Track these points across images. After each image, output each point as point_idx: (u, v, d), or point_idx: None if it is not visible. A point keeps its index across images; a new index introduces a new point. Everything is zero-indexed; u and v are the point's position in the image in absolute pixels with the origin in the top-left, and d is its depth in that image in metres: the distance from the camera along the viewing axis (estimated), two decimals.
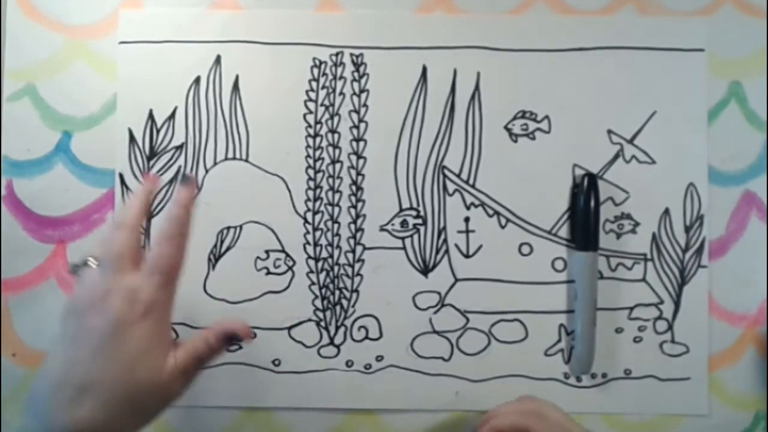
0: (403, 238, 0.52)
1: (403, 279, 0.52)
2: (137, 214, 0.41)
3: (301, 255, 0.52)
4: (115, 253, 0.39)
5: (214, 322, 0.42)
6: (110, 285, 0.38)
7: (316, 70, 0.52)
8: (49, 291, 0.51)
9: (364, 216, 0.52)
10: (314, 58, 0.52)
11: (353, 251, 0.52)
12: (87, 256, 0.40)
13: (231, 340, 0.41)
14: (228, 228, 0.52)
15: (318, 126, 0.52)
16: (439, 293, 0.52)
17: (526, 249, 0.52)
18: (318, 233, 0.52)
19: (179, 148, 0.52)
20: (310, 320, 0.52)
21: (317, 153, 0.52)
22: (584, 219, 0.50)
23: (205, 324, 0.51)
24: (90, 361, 0.36)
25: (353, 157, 0.52)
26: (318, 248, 0.52)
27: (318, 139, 0.52)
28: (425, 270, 0.52)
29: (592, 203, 0.50)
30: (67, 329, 0.38)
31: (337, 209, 0.52)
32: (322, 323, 0.51)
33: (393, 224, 0.52)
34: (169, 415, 0.51)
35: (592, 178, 0.50)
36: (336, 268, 0.52)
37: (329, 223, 0.52)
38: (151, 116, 0.52)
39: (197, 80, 0.52)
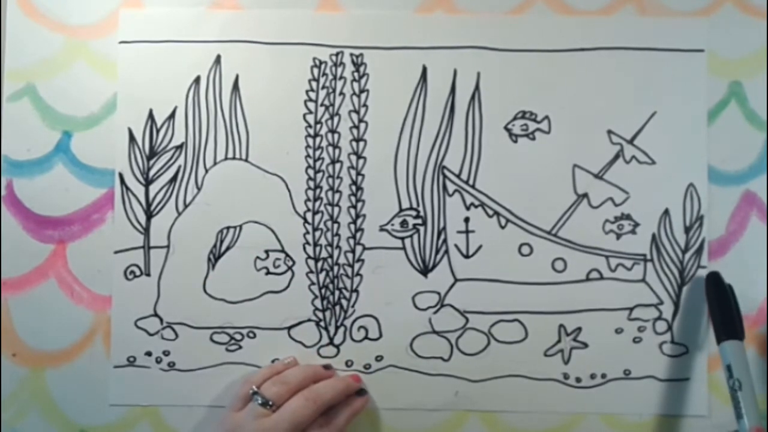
0: (402, 238, 0.52)
1: (402, 279, 0.52)
2: (332, 400, 0.47)
3: (301, 255, 0.52)
4: (296, 422, 0.45)
5: None
6: None
7: (316, 70, 0.52)
8: (49, 291, 0.51)
9: (364, 216, 0.52)
10: (314, 58, 0.52)
11: (353, 251, 0.52)
12: (273, 396, 0.46)
13: None
14: (228, 228, 0.52)
15: (318, 126, 0.52)
16: (438, 293, 0.52)
17: (525, 249, 0.52)
18: (318, 233, 0.52)
19: (179, 147, 0.52)
20: (309, 320, 0.52)
21: (317, 153, 0.52)
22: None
23: (204, 324, 0.51)
24: None
25: (353, 157, 0.52)
26: (318, 248, 0.52)
27: (318, 139, 0.52)
28: (425, 270, 0.52)
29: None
30: None
31: (336, 209, 0.52)
32: (322, 323, 0.52)
33: (393, 224, 0.52)
34: (169, 415, 0.51)
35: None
36: (336, 268, 0.52)
37: (329, 223, 0.52)
38: (151, 116, 0.52)
39: (197, 80, 0.52)
